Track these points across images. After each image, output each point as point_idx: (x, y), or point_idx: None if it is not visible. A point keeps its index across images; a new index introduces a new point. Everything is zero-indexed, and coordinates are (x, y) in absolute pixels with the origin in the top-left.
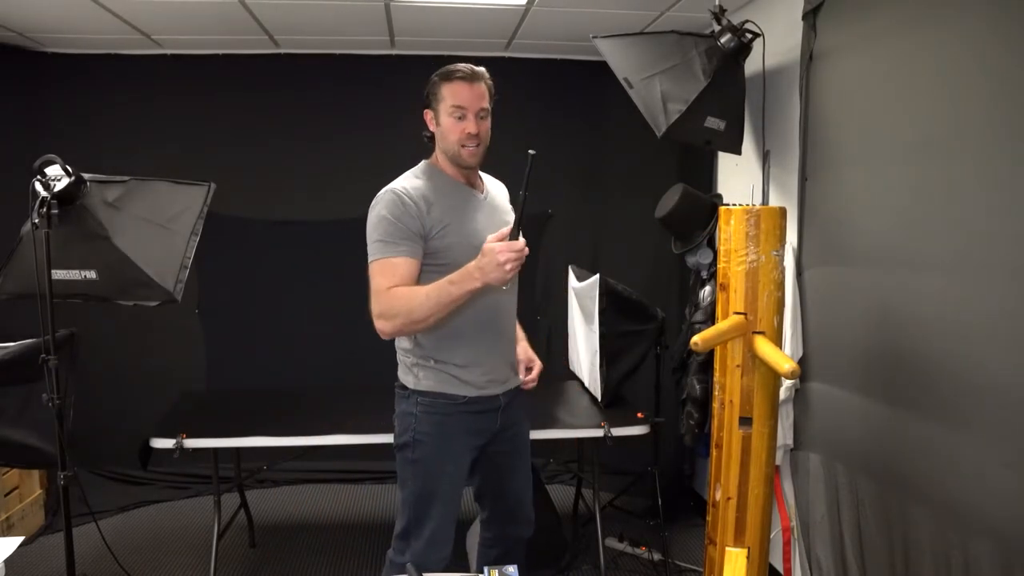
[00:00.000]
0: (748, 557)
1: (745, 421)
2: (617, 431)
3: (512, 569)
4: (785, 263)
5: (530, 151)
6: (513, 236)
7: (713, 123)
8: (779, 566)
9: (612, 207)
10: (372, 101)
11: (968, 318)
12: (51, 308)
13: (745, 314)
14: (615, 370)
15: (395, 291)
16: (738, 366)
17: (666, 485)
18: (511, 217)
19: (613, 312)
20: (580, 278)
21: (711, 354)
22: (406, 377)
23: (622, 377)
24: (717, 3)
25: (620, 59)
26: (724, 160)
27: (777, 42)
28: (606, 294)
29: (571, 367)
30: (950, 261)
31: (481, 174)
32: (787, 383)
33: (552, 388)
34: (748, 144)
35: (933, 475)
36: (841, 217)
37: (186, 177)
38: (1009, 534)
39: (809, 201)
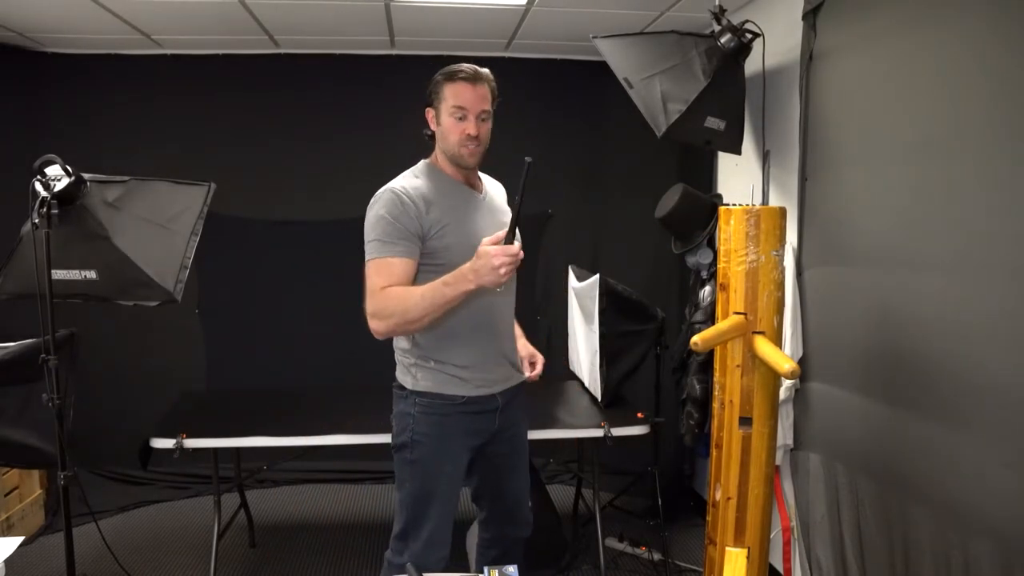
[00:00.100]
0: (748, 557)
1: (745, 421)
2: (617, 431)
3: (512, 569)
4: (785, 263)
5: (526, 158)
6: (508, 240)
7: (713, 123)
8: (779, 566)
9: (612, 207)
10: (372, 101)
11: (968, 318)
12: (51, 308)
13: (745, 314)
14: (615, 370)
15: (389, 291)
16: (738, 366)
17: (666, 485)
18: (509, 218)
19: (613, 312)
20: (580, 278)
21: (711, 354)
22: (404, 377)
23: (622, 377)
24: (717, 3)
25: (620, 59)
26: (724, 160)
27: (777, 42)
28: (606, 294)
29: (571, 367)
30: (950, 261)
31: (480, 174)
32: (787, 383)
33: (552, 388)
34: (748, 144)
35: (933, 475)
36: (841, 217)
37: (186, 177)
38: (1009, 534)
39: (809, 201)
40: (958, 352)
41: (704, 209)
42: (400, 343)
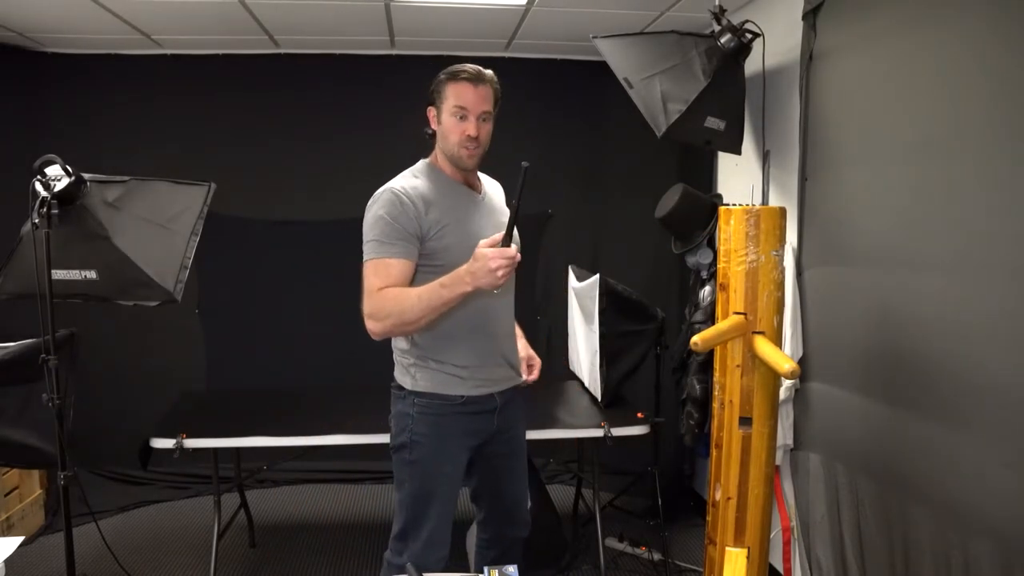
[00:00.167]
0: (748, 557)
1: (745, 421)
2: (617, 431)
3: (512, 569)
4: (785, 263)
5: (523, 163)
6: (505, 243)
7: (713, 123)
8: (779, 566)
9: (612, 207)
10: (372, 101)
11: (968, 318)
12: (51, 308)
13: (745, 314)
14: (615, 370)
15: (387, 292)
16: (738, 366)
17: (666, 485)
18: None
19: (613, 312)
20: (580, 278)
21: (711, 354)
22: (403, 378)
23: (622, 377)
24: (717, 3)
25: (620, 59)
26: (724, 160)
27: (777, 42)
28: (606, 294)
29: (571, 367)
30: (950, 261)
31: (479, 174)
32: (787, 383)
33: (552, 388)
34: (748, 144)
35: (933, 475)
36: (841, 217)
37: (186, 177)
38: (1009, 534)
39: (809, 201)
40: (958, 352)
41: (704, 209)
42: (399, 343)
